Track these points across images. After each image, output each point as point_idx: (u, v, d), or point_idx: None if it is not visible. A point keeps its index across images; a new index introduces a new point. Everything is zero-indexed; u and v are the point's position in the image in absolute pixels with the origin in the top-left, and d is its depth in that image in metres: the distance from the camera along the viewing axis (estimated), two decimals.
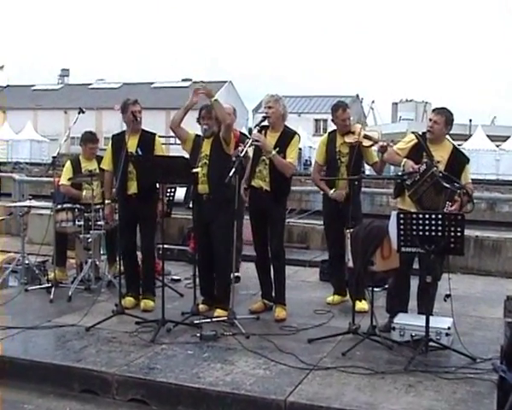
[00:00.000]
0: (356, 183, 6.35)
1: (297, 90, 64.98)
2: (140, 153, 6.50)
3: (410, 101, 57.55)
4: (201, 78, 49.81)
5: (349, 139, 6.56)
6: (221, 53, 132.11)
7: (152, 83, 59.39)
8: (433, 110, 6.03)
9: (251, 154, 6.31)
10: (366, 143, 6.51)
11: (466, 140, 39.83)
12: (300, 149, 39.52)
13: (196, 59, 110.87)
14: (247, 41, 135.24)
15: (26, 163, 37.75)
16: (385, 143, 6.20)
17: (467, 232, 9.19)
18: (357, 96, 54.25)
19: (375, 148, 6.60)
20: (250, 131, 6.61)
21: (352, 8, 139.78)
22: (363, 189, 7.52)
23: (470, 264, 9.52)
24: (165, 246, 9.31)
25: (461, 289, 7.74)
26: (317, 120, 55.22)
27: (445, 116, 5.80)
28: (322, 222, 7.27)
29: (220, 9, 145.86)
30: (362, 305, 6.36)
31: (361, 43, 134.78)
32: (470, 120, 46.97)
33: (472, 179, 6.11)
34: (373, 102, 56.64)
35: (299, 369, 4.84)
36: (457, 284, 7.96)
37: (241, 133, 7.41)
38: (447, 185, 5.50)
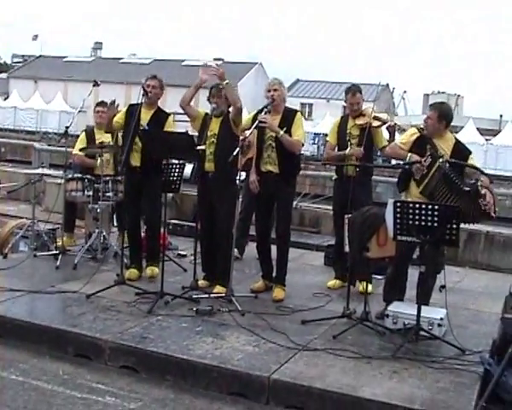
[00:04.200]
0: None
1: (327, 76, 64.58)
2: (147, 128, 6.56)
3: (443, 93, 56.84)
4: (231, 58, 49.65)
5: (359, 121, 6.76)
6: (253, 34, 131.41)
7: (183, 60, 59.32)
8: (430, 105, 6.00)
9: (254, 140, 6.37)
10: (375, 123, 6.70)
11: (495, 135, 39.30)
12: (326, 134, 39.34)
13: (229, 38, 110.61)
14: (281, 23, 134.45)
15: (55, 133, 38.13)
16: (392, 123, 6.46)
17: (478, 227, 9.24)
18: (388, 85, 53.63)
19: (384, 130, 6.83)
20: None
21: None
22: (385, 178, 7.57)
23: (480, 259, 9.54)
24: (176, 222, 9.54)
25: (465, 283, 7.76)
26: (345, 107, 54.73)
27: (438, 111, 5.70)
28: None
29: None
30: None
31: (395, 33, 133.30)
32: (501, 116, 46.41)
33: (499, 176, 6.04)
34: (404, 92, 56.18)
35: (287, 348, 4.91)
36: (463, 278, 8.00)
37: None
38: (456, 180, 5.36)
